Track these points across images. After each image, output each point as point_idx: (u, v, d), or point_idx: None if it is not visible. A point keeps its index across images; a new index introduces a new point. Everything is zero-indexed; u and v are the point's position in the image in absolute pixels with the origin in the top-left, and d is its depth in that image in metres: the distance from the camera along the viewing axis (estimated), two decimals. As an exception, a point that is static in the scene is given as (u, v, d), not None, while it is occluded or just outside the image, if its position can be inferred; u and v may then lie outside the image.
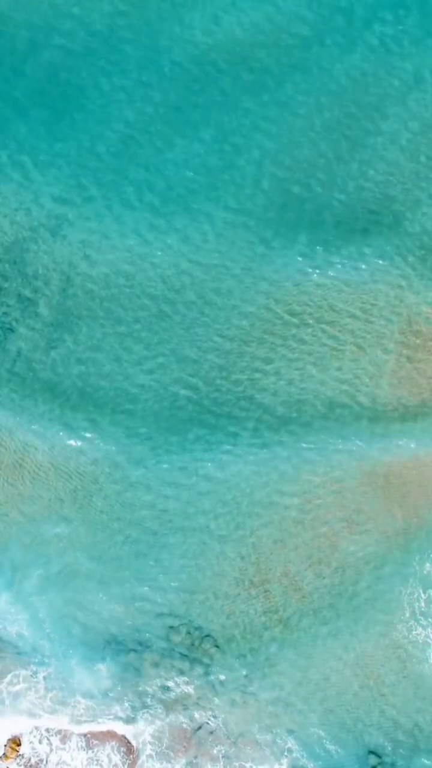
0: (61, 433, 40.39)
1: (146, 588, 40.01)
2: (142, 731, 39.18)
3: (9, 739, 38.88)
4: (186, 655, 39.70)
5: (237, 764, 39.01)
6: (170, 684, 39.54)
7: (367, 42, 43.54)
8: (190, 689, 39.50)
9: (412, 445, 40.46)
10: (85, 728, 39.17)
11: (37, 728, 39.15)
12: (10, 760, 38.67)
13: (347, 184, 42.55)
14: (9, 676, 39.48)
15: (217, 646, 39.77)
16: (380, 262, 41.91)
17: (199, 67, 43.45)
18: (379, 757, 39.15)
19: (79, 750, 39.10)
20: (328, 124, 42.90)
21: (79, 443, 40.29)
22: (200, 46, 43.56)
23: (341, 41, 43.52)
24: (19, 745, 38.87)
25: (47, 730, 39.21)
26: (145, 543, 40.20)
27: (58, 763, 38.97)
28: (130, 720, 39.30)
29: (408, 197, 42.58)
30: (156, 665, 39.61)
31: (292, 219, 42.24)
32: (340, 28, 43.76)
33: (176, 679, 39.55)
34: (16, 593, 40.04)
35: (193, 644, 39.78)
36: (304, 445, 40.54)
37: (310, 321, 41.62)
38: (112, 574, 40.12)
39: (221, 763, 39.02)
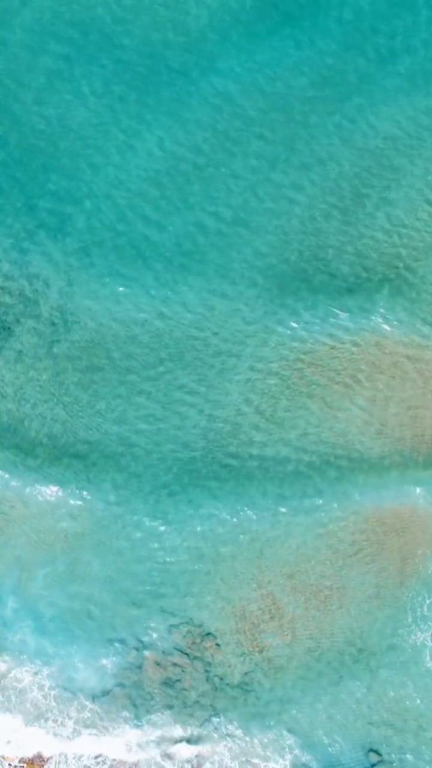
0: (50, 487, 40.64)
1: (148, 587, 40.13)
2: (144, 728, 39.38)
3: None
4: (187, 654, 39.84)
5: (238, 761, 39.21)
6: (171, 682, 39.70)
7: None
8: (191, 687, 39.67)
9: (417, 491, 40.44)
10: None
11: (40, 727, 39.41)
12: (11, 759, 38.94)
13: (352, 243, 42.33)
14: (13, 673, 39.65)
15: (218, 645, 39.89)
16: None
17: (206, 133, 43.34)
18: (380, 755, 39.32)
19: (78, 748, 39.34)
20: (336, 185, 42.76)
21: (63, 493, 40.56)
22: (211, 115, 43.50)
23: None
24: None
25: (46, 727, 39.45)
26: (148, 545, 40.43)
27: (60, 755, 39.23)
28: (131, 717, 39.50)
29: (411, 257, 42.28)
30: (157, 663, 39.79)
31: (292, 275, 42.30)
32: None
33: (177, 676, 39.70)
34: (21, 590, 40.20)
35: (194, 643, 39.90)
36: (308, 492, 40.68)
37: (307, 372, 41.69)
38: (115, 573, 40.23)
39: (222, 760, 39.21)
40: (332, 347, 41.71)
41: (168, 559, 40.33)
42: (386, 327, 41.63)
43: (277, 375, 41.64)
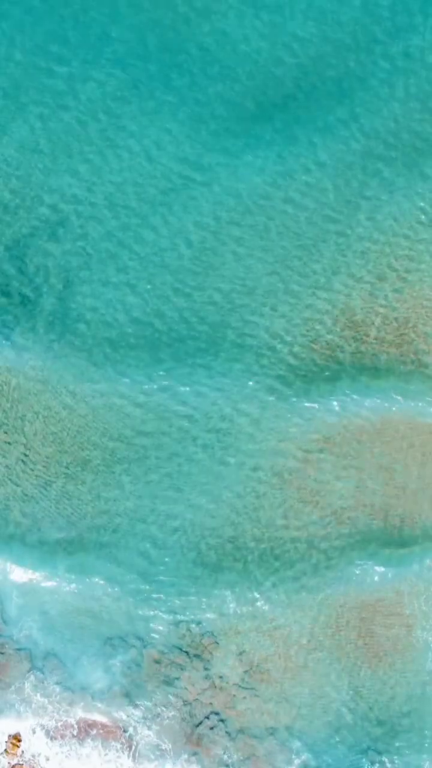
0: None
1: (148, 585, 40.15)
2: (142, 727, 39.38)
3: (10, 735, 39.17)
4: (186, 652, 39.84)
5: (238, 760, 39.17)
6: (171, 680, 39.71)
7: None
8: (190, 685, 39.66)
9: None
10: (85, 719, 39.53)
11: (41, 726, 39.44)
12: (11, 756, 38.94)
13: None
14: (10, 671, 39.71)
15: (217, 643, 39.88)
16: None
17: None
18: (380, 754, 39.23)
19: (79, 746, 39.34)
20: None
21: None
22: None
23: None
24: (20, 741, 39.14)
25: (47, 726, 39.48)
26: (146, 543, 40.50)
27: (57, 758, 39.24)
28: (131, 716, 39.49)
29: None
30: (157, 662, 39.80)
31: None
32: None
33: (177, 675, 39.71)
34: (20, 588, 40.29)
35: (193, 641, 39.91)
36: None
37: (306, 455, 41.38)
38: (114, 572, 40.32)
39: (222, 759, 39.17)
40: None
41: (168, 560, 40.45)
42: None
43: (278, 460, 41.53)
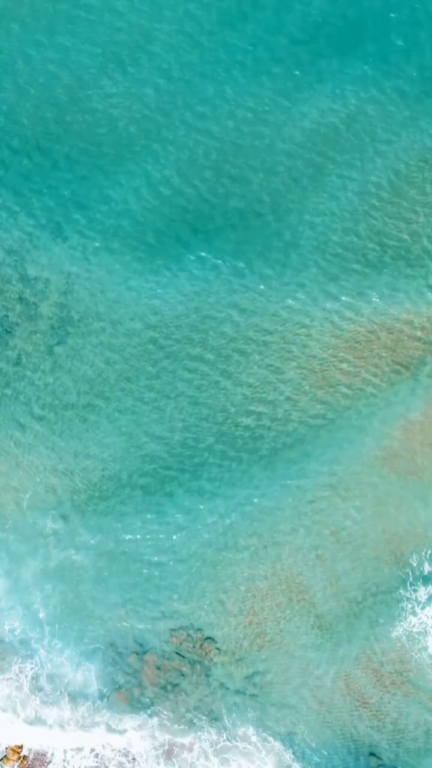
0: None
1: (148, 591, 40.30)
2: (143, 732, 39.26)
3: (8, 747, 38.89)
4: (187, 658, 39.82)
5: (238, 766, 39.11)
6: (171, 686, 39.65)
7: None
8: (191, 691, 39.61)
9: None
10: (84, 737, 39.41)
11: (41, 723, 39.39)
12: (11, 763, 38.67)
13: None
14: (11, 675, 39.55)
15: (218, 649, 39.91)
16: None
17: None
18: (380, 758, 39.25)
19: (80, 751, 39.19)
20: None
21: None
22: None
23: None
24: (20, 747, 38.90)
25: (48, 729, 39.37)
26: (146, 545, 40.65)
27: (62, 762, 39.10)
28: (131, 721, 39.38)
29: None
30: (158, 667, 39.77)
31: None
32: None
33: (177, 681, 39.66)
34: (15, 590, 40.22)
35: (194, 647, 39.91)
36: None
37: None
38: (113, 577, 40.32)
39: (222, 765, 39.09)
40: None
41: (168, 560, 40.62)
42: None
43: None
